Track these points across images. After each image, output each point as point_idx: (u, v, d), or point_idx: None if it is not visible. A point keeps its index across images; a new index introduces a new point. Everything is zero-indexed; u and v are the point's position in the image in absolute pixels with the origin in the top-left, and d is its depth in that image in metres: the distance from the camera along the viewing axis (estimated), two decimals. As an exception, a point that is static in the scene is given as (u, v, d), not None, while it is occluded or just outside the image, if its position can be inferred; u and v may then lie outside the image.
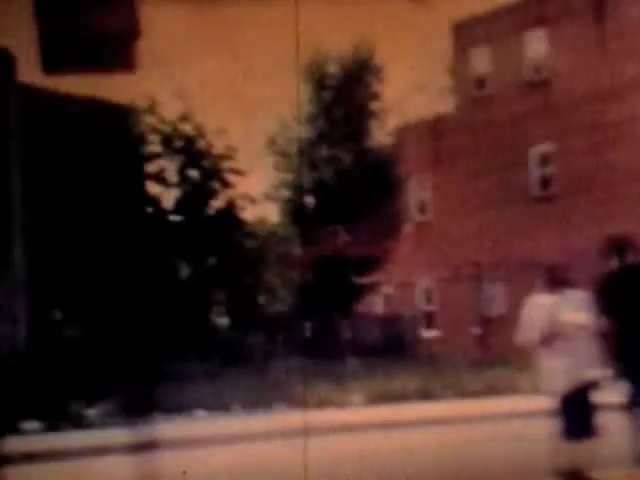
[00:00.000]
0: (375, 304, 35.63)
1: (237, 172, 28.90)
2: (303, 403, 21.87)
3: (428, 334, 34.73)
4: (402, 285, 35.72)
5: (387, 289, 35.38)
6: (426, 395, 22.89)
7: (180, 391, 22.04)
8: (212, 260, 28.70)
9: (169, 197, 28.51)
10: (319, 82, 30.18)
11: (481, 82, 35.23)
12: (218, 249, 28.71)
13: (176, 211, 28.30)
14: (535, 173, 33.91)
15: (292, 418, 20.47)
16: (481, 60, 34.91)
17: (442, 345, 34.58)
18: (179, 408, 21.07)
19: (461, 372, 25.03)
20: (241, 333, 28.80)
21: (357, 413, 21.21)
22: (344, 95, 30.14)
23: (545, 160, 33.59)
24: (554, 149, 33.36)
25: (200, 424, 19.99)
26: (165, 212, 28.31)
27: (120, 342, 26.17)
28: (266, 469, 14.96)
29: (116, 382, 22.88)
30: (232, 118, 29.03)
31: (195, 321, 28.52)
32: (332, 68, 30.45)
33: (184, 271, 28.38)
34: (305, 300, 30.35)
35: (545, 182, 33.69)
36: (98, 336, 26.86)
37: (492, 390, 23.29)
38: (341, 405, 22.03)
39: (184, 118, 28.08)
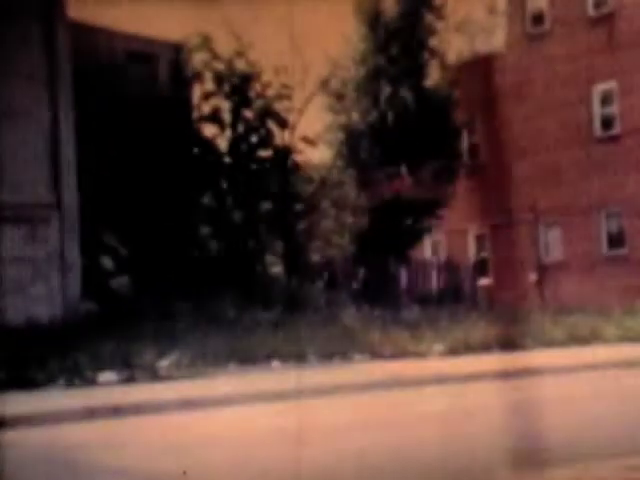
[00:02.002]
0: (429, 251, 34.47)
1: (293, 113, 27.59)
2: (378, 353, 20.77)
3: (482, 282, 33.54)
4: (455, 231, 34.52)
5: (440, 235, 34.21)
6: (508, 345, 21.72)
7: (249, 341, 20.88)
8: (266, 205, 27.44)
9: (223, 138, 27.21)
10: (374, 19, 28.71)
11: (538, 18, 33.73)
12: (272, 194, 27.45)
13: (230, 153, 26.99)
14: (597, 112, 32.49)
15: (374, 368, 19.38)
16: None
17: (496, 292, 33.47)
18: (253, 359, 19.93)
19: (539, 320, 23.85)
20: (297, 281, 27.59)
21: (441, 363, 20.04)
22: (401, 32, 28.68)
23: (608, 99, 32.16)
24: (617, 87, 31.92)
25: (279, 376, 18.81)
26: (219, 154, 27.00)
27: (176, 290, 25.03)
28: (366, 425, 13.75)
29: (181, 332, 21.81)
30: (285, 58, 27.66)
31: (249, 268, 27.33)
32: (387, 4, 28.98)
33: (237, 216, 27.14)
34: (361, 246, 29.14)
35: (607, 122, 32.28)
36: (151, 283, 25.73)
37: (576, 339, 22.14)
38: (421, 355, 20.87)
39: (239, 54, 26.64)
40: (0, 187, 23.69)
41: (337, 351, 20.54)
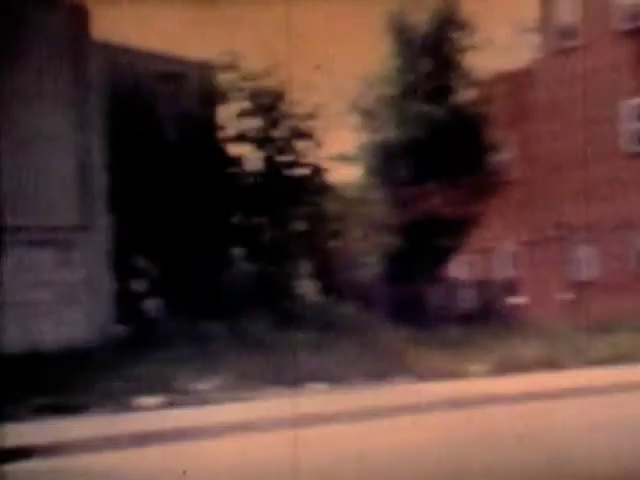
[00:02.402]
0: (459, 269, 33.96)
1: (322, 132, 27.20)
2: (423, 374, 20.29)
3: (515, 300, 32.99)
4: (485, 249, 34.01)
5: (470, 253, 33.68)
6: (551, 364, 21.24)
7: (288, 363, 20.42)
8: (297, 225, 27.02)
9: (252, 158, 26.82)
10: (403, 36, 28.36)
11: (568, 32, 33.31)
12: (303, 213, 27.03)
13: (260, 172, 26.62)
14: (628, 128, 32.01)
15: (417, 389, 18.93)
16: (568, 9, 33.01)
17: (529, 311, 32.91)
18: (293, 380, 19.46)
19: (581, 338, 23.34)
20: (328, 300, 27.15)
21: (485, 383, 19.56)
22: (431, 49, 28.32)
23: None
24: (649, 102, 31.47)
25: (321, 398, 18.35)
26: (249, 174, 26.63)
27: (208, 312, 24.62)
28: (409, 451, 13.27)
29: (218, 354, 21.38)
30: (315, 76, 27.25)
31: (282, 289, 26.89)
32: (416, 22, 28.61)
33: (269, 236, 26.74)
34: (392, 265, 28.66)
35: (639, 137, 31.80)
36: (183, 305, 25.34)
37: (622, 357, 21.62)
38: (463, 375, 20.39)
39: (268, 74, 26.29)
40: (30, 211, 23.37)
41: (381, 372, 20.08)
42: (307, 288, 28.07)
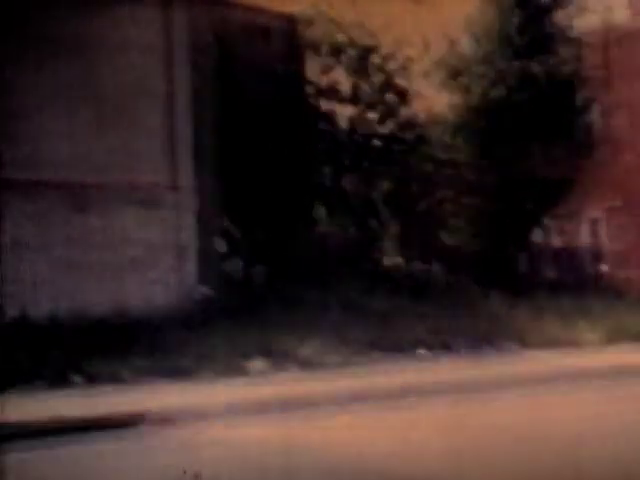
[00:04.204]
0: (547, 234, 32.77)
1: (412, 89, 26.09)
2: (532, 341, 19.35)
3: (602, 268, 31.87)
4: (569, 214, 32.77)
5: (558, 219, 32.46)
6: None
7: (390, 328, 19.53)
8: (386, 184, 26.03)
9: (340, 113, 25.78)
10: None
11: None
12: (392, 172, 26.02)
13: (350, 128, 25.61)
14: None
15: (529, 358, 17.99)
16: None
17: (614, 280, 31.77)
18: (398, 347, 18.59)
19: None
20: (416, 264, 26.19)
21: (599, 354, 18.54)
22: (525, 3, 27.09)
23: None
24: None
25: (431, 365, 17.45)
26: (338, 130, 25.61)
27: (294, 273, 23.79)
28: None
29: (313, 317, 20.54)
30: (404, 29, 26.18)
31: (367, 249, 25.99)
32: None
33: (354, 195, 25.79)
34: (482, 228, 27.62)
35: None
36: (269, 266, 24.53)
37: None
38: (576, 345, 19.38)
39: (359, 25, 25.19)
40: (113, 167, 22.54)
41: (485, 339, 19.15)
42: (394, 250, 27.13)
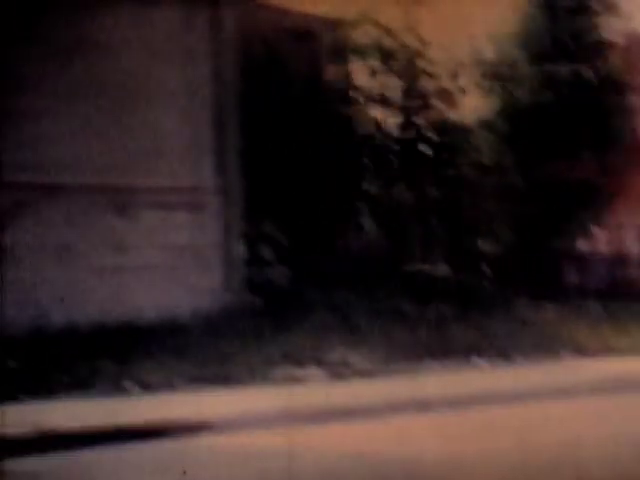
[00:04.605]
0: (592, 242, 32.30)
1: (461, 93, 25.73)
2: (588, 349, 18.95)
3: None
4: (619, 223, 32.27)
5: (605, 228, 31.94)
6: None
7: (441, 336, 19.18)
8: (432, 190, 25.65)
9: (386, 119, 25.46)
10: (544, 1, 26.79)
11: None
12: (439, 178, 25.65)
13: (398, 134, 25.27)
14: None
15: (587, 367, 17.57)
16: None
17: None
18: (450, 355, 18.23)
19: None
20: (459, 271, 25.74)
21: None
22: (572, 8, 26.70)
23: None
24: None
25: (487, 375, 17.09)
26: (386, 135, 25.29)
27: (339, 280, 23.47)
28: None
29: (359, 325, 20.25)
30: (450, 35, 25.81)
31: (410, 256, 25.61)
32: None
33: (399, 201, 25.43)
34: (526, 236, 27.18)
35: None
36: (311, 274, 24.19)
37: None
38: (629, 352, 18.97)
39: (409, 29, 24.85)
40: (160, 170, 22.31)
41: (542, 347, 18.75)
42: (440, 258, 26.73)
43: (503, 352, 18.43)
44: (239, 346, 17.58)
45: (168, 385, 15.11)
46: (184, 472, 9.37)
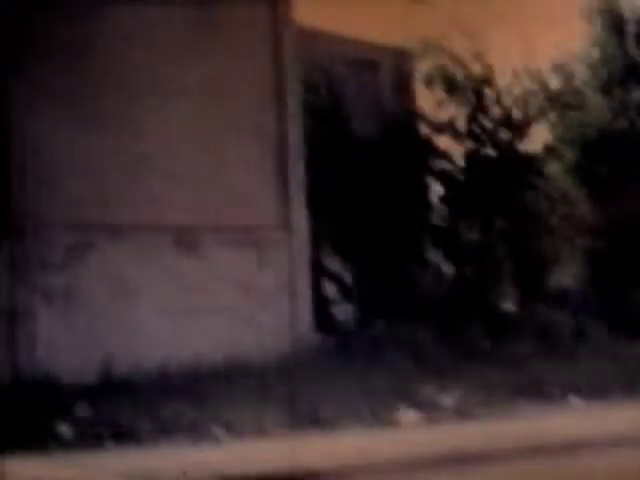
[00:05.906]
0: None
1: (527, 123, 24.83)
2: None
3: None
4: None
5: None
6: None
7: (533, 374, 18.10)
8: (501, 223, 24.70)
9: (453, 150, 24.61)
10: (613, 19, 25.94)
11: None
12: (507, 210, 24.69)
13: (465, 165, 24.40)
14: None
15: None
16: None
17: None
18: (545, 395, 17.19)
19: None
20: (534, 306, 24.69)
21: None
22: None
23: None
24: None
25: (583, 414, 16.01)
26: (454, 166, 24.41)
27: (409, 318, 22.47)
28: None
29: (442, 364, 19.21)
30: (517, 62, 24.99)
31: (483, 292, 24.64)
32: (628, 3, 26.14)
33: (468, 235, 24.52)
34: (600, 269, 26.15)
35: None
36: (381, 311, 23.22)
37: None
38: None
39: (477, 57, 24.00)
40: (223, 207, 21.42)
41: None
42: (511, 292, 25.73)
43: (600, 390, 17.34)
44: (319, 388, 16.57)
45: (258, 429, 14.14)
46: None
